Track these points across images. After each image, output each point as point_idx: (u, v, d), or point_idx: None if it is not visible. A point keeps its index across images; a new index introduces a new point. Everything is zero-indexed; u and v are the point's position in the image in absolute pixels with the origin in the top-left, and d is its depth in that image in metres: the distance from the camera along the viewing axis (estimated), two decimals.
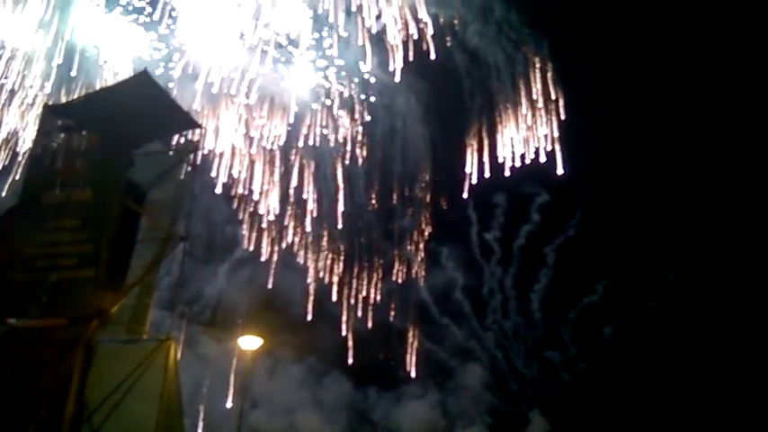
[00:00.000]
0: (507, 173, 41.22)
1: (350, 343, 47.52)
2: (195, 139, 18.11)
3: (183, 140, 18.21)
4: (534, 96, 39.99)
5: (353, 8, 33.25)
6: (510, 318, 60.99)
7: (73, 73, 30.34)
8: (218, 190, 35.78)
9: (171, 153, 17.75)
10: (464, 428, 56.91)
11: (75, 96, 28.70)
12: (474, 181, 42.47)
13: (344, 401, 53.87)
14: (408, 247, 52.51)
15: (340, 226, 43.51)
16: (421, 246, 50.16)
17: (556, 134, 40.53)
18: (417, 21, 34.27)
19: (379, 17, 33.25)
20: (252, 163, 36.58)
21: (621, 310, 57.70)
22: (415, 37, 34.38)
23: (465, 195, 44.74)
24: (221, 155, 34.28)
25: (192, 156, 17.72)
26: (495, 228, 60.56)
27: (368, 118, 38.54)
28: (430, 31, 34.66)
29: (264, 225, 40.18)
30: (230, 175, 35.57)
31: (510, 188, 55.32)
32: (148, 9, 30.90)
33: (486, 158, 40.70)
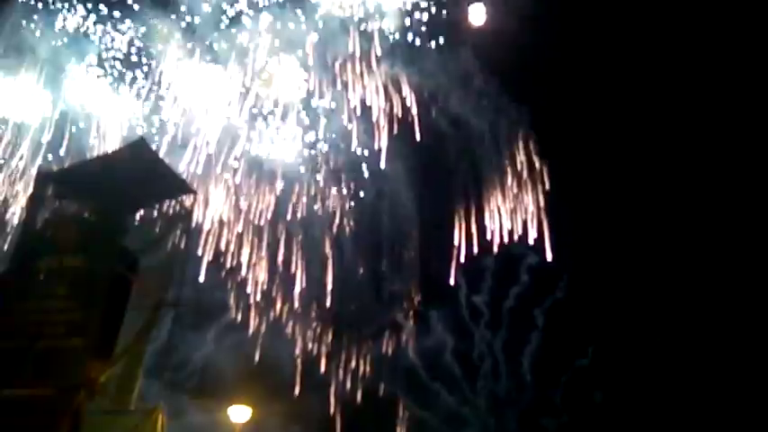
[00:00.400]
0: (495, 249, 41.76)
1: (338, 418, 46.63)
2: (188, 204, 18.19)
3: (176, 206, 18.23)
4: (519, 167, 40.78)
5: (339, 85, 34.21)
6: (501, 382, 60.45)
7: (64, 144, 30.68)
8: (207, 260, 35.56)
9: (163, 220, 17.80)
10: None
11: (68, 164, 28.86)
12: (462, 258, 42.78)
13: None
14: (398, 314, 52.48)
15: (329, 300, 43.19)
16: (410, 313, 50.05)
17: (542, 204, 41.16)
18: (401, 94, 35.23)
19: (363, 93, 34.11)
20: (240, 236, 36.64)
21: (612, 373, 57.65)
22: (400, 113, 35.28)
23: (452, 276, 45.28)
24: (210, 229, 34.29)
25: (184, 222, 17.81)
26: (485, 291, 60.73)
27: (359, 192, 39.03)
28: (413, 104, 35.60)
29: (251, 300, 39.84)
30: (218, 248, 35.54)
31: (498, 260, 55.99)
32: (141, 80, 31.53)
33: (474, 231, 41.06)
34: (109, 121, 31.61)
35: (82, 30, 30.90)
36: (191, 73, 31.85)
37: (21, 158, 30.02)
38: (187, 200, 18.52)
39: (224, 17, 32.32)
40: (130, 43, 31.65)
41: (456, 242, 42.36)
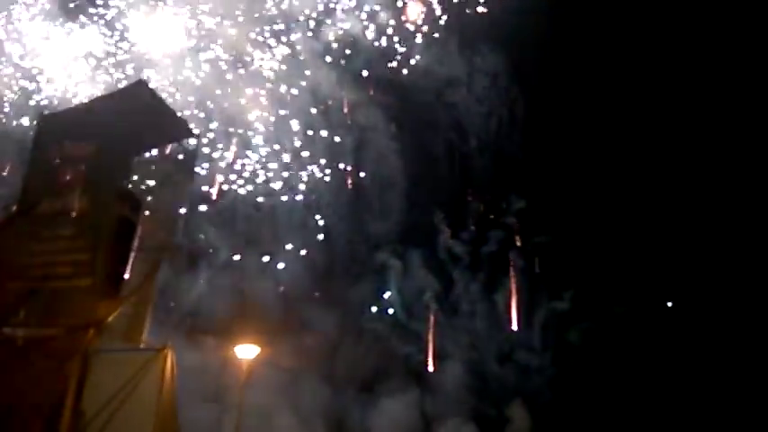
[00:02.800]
0: None
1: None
2: (191, 146, 18.10)
3: (179, 149, 18.17)
4: None
5: None
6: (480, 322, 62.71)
7: None
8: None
9: (167, 162, 17.74)
10: (445, 429, 57.62)
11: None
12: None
13: (322, 404, 54.00)
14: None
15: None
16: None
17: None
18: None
19: None
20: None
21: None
22: None
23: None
24: None
25: (189, 164, 17.75)
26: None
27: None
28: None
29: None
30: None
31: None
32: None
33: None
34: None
35: None
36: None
37: None
38: (190, 142, 18.46)
39: None
40: None
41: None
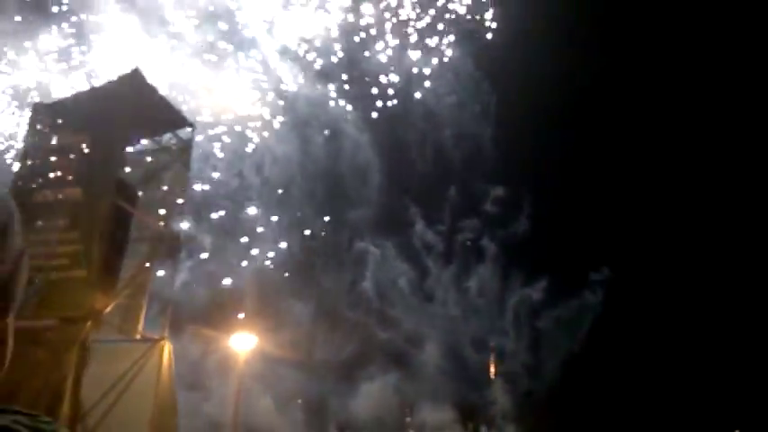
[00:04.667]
0: None
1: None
2: (186, 137, 17.99)
3: (174, 139, 18.04)
4: None
5: None
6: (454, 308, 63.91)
7: None
8: None
9: (162, 152, 17.63)
10: (426, 411, 58.81)
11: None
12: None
13: (301, 389, 54.73)
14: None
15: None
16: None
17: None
18: None
19: None
20: None
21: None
22: None
23: None
24: None
25: (184, 154, 17.65)
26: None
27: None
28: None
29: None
30: None
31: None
32: None
33: None
34: None
35: None
36: None
37: None
38: (185, 133, 18.35)
39: None
40: None
41: None
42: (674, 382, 53.94)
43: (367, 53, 39.30)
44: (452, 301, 62.44)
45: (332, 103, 42.07)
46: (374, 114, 43.46)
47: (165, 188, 17.63)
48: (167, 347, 16.14)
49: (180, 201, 17.96)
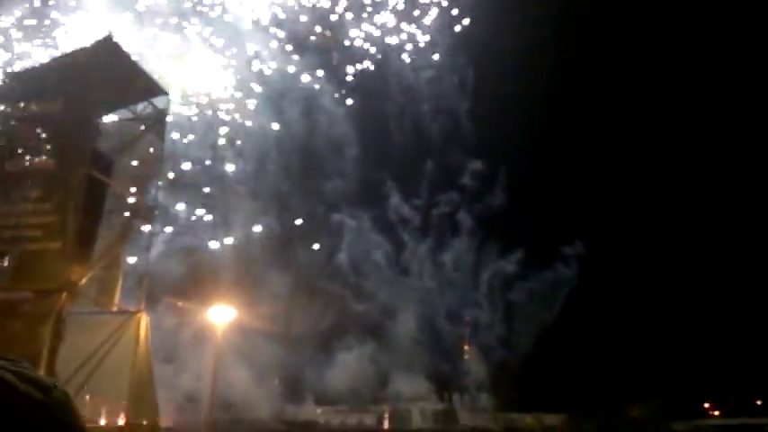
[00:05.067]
0: None
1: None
2: (163, 106, 17.61)
3: (149, 108, 17.64)
4: None
5: None
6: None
7: None
8: None
9: (137, 121, 17.28)
10: (401, 381, 59.85)
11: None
12: None
13: (278, 362, 55.12)
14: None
15: None
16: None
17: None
18: None
19: None
20: None
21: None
22: None
23: None
24: None
25: (160, 123, 17.32)
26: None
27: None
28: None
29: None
30: None
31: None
32: None
33: None
34: None
35: None
36: None
37: None
38: (161, 102, 17.95)
39: None
40: None
41: None
42: (645, 352, 55.22)
43: (345, 27, 38.83)
44: (428, 274, 62.97)
45: (308, 77, 41.59)
46: (351, 90, 43.13)
47: (141, 158, 17.32)
48: (144, 320, 16.02)
49: (155, 171, 17.70)
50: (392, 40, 41.75)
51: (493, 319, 63.37)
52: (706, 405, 64.24)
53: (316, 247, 52.49)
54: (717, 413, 64.20)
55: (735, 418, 60.51)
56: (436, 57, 45.86)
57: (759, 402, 61.57)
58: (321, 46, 39.50)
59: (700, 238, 61.86)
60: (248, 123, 39.96)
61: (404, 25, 41.52)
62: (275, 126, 43.07)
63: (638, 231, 61.80)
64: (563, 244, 63.38)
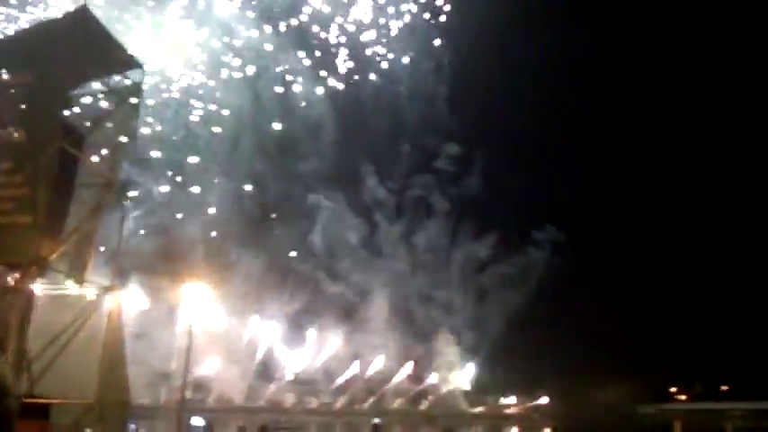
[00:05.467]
0: None
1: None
2: (137, 79, 17.24)
3: (123, 81, 17.26)
4: None
5: None
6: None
7: None
8: None
9: (111, 94, 16.90)
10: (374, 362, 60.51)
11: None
12: None
13: (251, 341, 55.38)
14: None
15: None
16: None
17: None
18: None
19: None
20: None
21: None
22: None
23: None
24: None
25: (133, 97, 16.97)
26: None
27: None
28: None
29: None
30: None
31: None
32: None
33: None
34: None
35: None
36: None
37: None
38: (136, 75, 17.57)
39: None
40: None
41: None
42: (613, 338, 56.06)
43: (322, 8, 38.51)
44: (401, 257, 63.28)
45: (285, 57, 41.23)
46: (329, 72, 42.93)
47: (114, 133, 16.98)
48: (116, 296, 15.85)
49: (129, 146, 17.38)
50: (370, 26, 41.45)
51: (465, 302, 63.99)
52: (672, 389, 65.64)
53: (290, 227, 52.24)
54: (683, 397, 65.72)
55: (700, 403, 62.03)
56: (414, 40, 45.83)
57: (725, 388, 63.08)
58: (299, 29, 39.10)
59: (670, 224, 62.79)
60: (223, 103, 39.58)
61: (382, 11, 41.31)
62: (249, 106, 42.68)
63: (609, 217, 62.64)
64: (535, 228, 64.15)
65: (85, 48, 15.66)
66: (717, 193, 59.94)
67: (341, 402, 59.69)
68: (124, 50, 17.14)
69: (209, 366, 50.14)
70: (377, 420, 31.32)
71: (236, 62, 37.48)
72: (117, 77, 17.07)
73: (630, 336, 57.63)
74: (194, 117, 38.38)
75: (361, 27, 41.45)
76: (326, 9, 38.58)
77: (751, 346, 54.27)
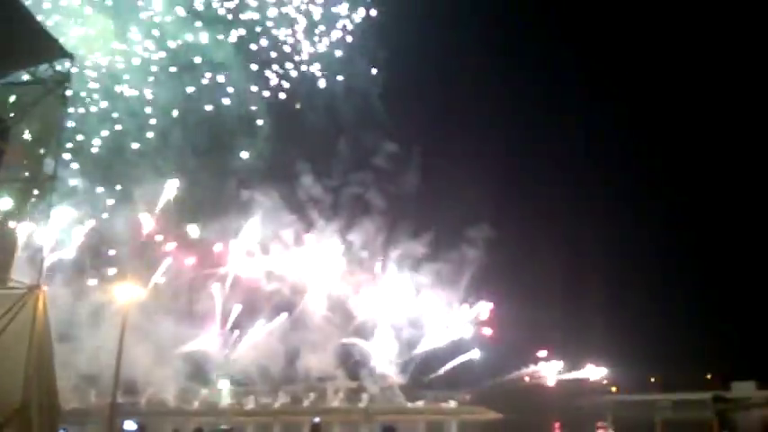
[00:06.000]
0: None
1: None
2: (65, 69, 16.48)
3: (50, 71, 16.46)
4: None
5: None
6: None
7: None
8: None
9: (38, 84, 16.10)
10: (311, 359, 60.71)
11: None
12: None
13: (183, 340, 54.30)
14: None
15: None
16: None
17: None
18: None
19: None
20: None
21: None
22: None
23: None
24: None
25: (61, 88, 16.21)
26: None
27: None
28: None
29: None
30: None
31: None
32: None
33: None
34: None
35: None
36: None
37: None
38: (63, 64, 16.80)
39: None
40: None
41: None
42: (547, 330, 57.56)
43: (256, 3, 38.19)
44: (337, 254, 63.24)
45: (218, 51, 40.75)
46: (263, 66, 42.63)
47: (39, 125, 16.22)
48: (42, 295, 15.12)
49: (55, 139, 16.63)
50: (302, 22, 41.25)
51: (402, 299, 64.50)
52: (604, 382, 68.51)
53: (223, 223, 51.43)
54: (614, 389, 68.64)
55: (631, 396, 64.88)
56: (349, 39, 45.91)
57: (653, 380, 66.20)
58: (230, 21, 38.72)
59: (624, 223, 64.67)
60: (151, 96, 38.89)
61: (314, 7, 41.27)
62: (179, 100, 42.04)
63: (551, 211, 63.83)
64: (470, 226, 65.30)
65: (9, 35, 14.86)
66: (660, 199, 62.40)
67: (279, 402, 59.03)
68: (51, 38, 16.33)
69: (139, 368, 48.73)
70: (316, 419, 31.09)
71: (162, 55, 36.59)
72: (43, 67, 16.27)
73: (566, 328, 59.42)
74: (121, 111, 37.27)
75: (294, 23, 41.22)
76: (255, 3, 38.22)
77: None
